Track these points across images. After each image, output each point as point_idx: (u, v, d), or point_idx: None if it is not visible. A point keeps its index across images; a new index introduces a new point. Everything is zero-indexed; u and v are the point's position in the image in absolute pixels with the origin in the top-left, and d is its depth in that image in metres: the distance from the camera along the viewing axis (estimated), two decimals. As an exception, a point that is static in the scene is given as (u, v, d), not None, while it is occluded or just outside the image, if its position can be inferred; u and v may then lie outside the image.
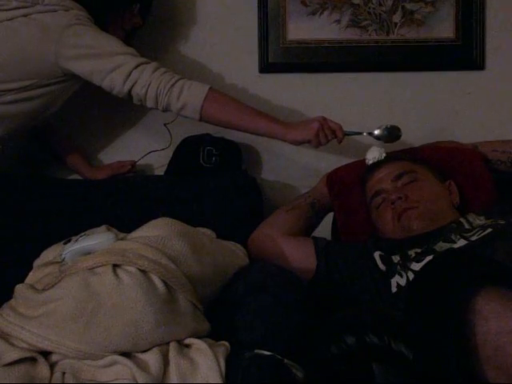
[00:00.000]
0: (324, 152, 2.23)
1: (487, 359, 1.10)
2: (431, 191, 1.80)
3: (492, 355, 1.09)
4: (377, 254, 1.71)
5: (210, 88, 1.82)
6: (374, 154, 1.91)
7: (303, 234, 1.88)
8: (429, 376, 1.22)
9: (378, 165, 1.88)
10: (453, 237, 1.64)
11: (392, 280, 1.64)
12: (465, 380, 1.13)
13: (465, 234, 1.64)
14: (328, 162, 2.13)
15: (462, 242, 1.62)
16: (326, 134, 1.83)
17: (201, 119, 1.83)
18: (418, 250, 1.64)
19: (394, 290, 1.63)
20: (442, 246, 1.63)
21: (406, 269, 1.62)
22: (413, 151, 1.99)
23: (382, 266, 1.68)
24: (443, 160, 1.94)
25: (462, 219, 1.71)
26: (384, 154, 1.91)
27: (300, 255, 1.77)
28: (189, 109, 1.80)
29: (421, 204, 1.75)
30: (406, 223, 1.73)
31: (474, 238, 1.61)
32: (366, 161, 1.93)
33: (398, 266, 1.65)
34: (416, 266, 1.60)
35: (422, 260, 1.60)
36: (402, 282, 1.62)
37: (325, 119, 1.85)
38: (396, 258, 1.67)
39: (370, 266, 1.69)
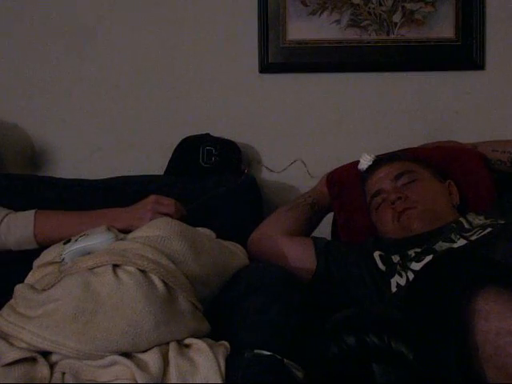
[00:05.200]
0: (324, 151, 2.24)
1: (487, 359, 1.10)
2: (431, 191, 1.80)
3: (492, 355, 1.09)
4: (377, 254, 1.70)
5: (36, 212, 1.72)
6: (365, 161, 1.91)
7: (303, 234, 1.88)
8: (429, 376, 1.22)
9: (377, 165, 1.88)
10: (453, 236, 1.64)
11: (392, 280, 1.64)
12: (465, 380, 1.13)
13: (464, 234, 1.64)
14: (328, 161, 2.13)
15: (461, 242, 1.62)
16: (163, 212, 1.71)
17: (40, 245, 1.71)
18: (418, 250, 1.64)
19: (393, 289, 1.63)
20: (441, 245, 1.63)
21: (406, 269, 1.62)
22: (413, 151, 1.99)
23: (381, 266, 1.68)
24: (443, 160, 1.94)
25: (461, 219, 1.71)
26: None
27: (300, 255, 1.77)
28: (24, 243, 1.70)
29: (420, 204, 1.75)
30: (406, 223, 1.73)
31: (473, 238, 1.61)
32: (360, 168, 1.93)
33: (398, 266, 1.65)
34: (416, 266, 1.60)
35: (422, 260, 1.60)
36: (402, 281, 1.62)
37: (157, 199, 1.73)
38: (396, 258, 1.67)
39: (370, 265, 1.69)
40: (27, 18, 2.22)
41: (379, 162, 1.89)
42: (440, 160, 1.93)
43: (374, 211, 1.83)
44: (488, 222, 1.67)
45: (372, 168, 1.89)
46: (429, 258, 1.58)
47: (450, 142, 2.06)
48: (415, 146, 2.07)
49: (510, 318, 1.09)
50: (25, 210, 1.76)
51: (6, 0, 2.22)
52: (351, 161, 2.01)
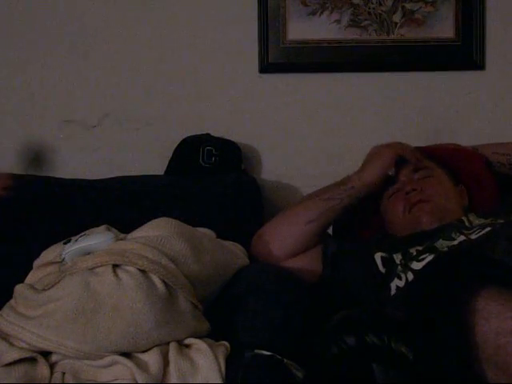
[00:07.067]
0: (324, 151, 2.24)
1: (487, 359, 1.10)
2: (445, 190, 1.80)
3: (492, 355, 1.09)
4: (378, 256, 1.70)
5: None
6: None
7: (317, 243, 1.78)
8: (429, 376, 1.22)
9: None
10: (453, 235, 1.64)
11: (392, 284, 1.63)
12: (465, 380, 1.13)
13: (465, 232, 1.64)
14: (328, 162, 2.13)
15: (460, 238, 1.62)
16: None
17: None
18: (420, 248, 1.64)
19: (393, 292, 1.63)
20: (442, 243, 1.63)
21: (407, 269, 1.61)
22: (424, 150, 1.97)
23: (382, 269, 1.68)
24: (445, 161, 1.93)
25: (463, 218, 1.71)
26: None
27: (306, 260, 1.75)
28: None
29: (434, 199, 1.75)
30: (417, 215, 1.73)
31: (473, 237, 1.61)
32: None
33: (399, 267, 1.64)
34: (416, 266, 1.60)
35: (423, 259, 1.59)
36: (401, 283, 1.61)
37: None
38: (398, 257, 1.66)
39: (372, 271, 1.68)
40: (29, 19, 2.22)
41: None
42: (442, 161, 1.93)
43: (387, 199, 1.82)
44: (488, 221, 1.67)
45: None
46: (429, 256, 1.58)
47: (450, 144, 2.06)
48: (415, 146, 2.06)
49: (510, 317, 1.09)
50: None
51: (8, 1, 2.23)
52: (350, 161, 1.98)
